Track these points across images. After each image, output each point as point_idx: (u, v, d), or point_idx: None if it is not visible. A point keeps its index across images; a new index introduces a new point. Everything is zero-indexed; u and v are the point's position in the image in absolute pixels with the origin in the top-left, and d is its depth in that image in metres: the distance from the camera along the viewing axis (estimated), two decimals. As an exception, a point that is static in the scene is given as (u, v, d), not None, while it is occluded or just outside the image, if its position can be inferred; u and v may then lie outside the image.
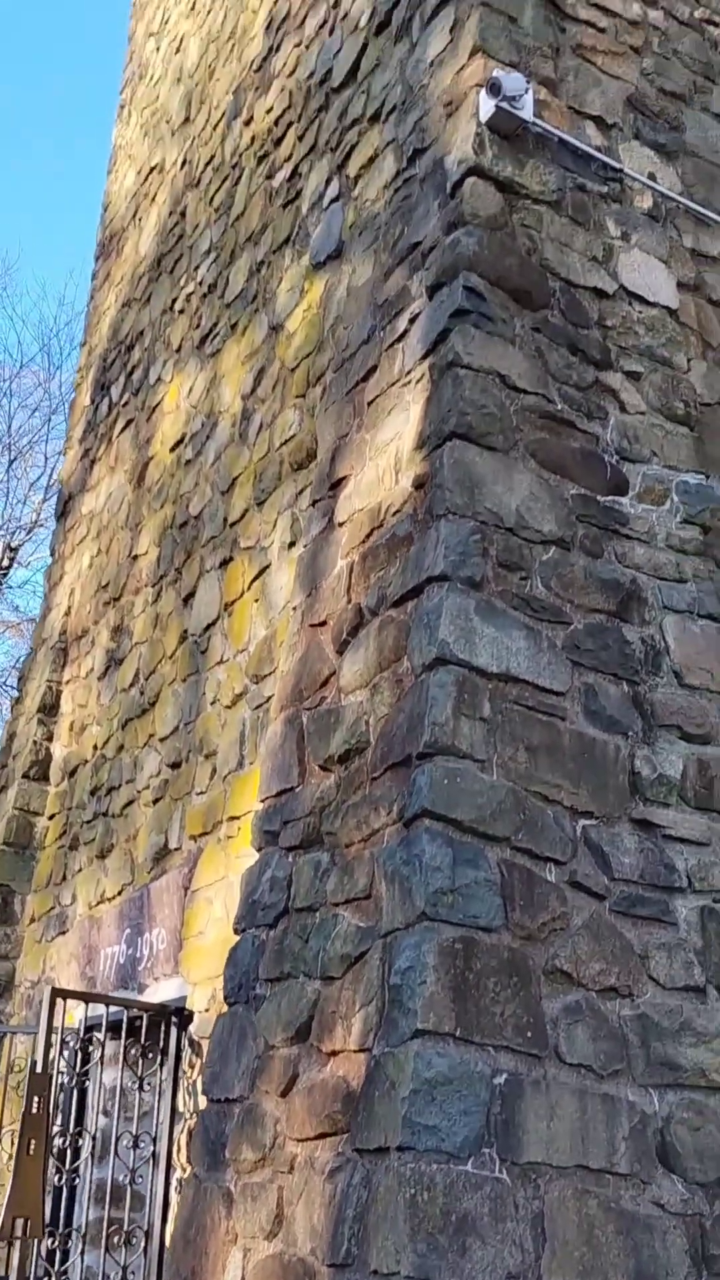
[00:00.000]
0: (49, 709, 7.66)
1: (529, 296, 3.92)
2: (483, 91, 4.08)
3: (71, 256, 30.80)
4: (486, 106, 4.07)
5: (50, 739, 7.57)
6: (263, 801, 3.86)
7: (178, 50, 8.58)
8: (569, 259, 4.13)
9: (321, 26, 5.91)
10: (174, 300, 7.25)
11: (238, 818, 4.74)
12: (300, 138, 5.86)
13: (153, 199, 8.31)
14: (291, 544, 4.88)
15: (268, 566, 5.10)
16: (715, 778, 3.46)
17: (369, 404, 4.17)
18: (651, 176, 4.51)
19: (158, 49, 9.19)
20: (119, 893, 5.88)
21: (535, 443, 3.67)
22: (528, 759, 3.15)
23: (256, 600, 5.14)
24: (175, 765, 5.57)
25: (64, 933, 6.44)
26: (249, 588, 5.25)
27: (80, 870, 6.50)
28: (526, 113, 4.11)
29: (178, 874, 5.13)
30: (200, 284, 6.83)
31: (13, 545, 19.41)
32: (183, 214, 7.50)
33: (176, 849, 5.34)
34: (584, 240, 4.20)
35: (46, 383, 20.33)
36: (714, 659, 3.65)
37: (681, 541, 3.82)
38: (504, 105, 4.04)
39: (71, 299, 27.75)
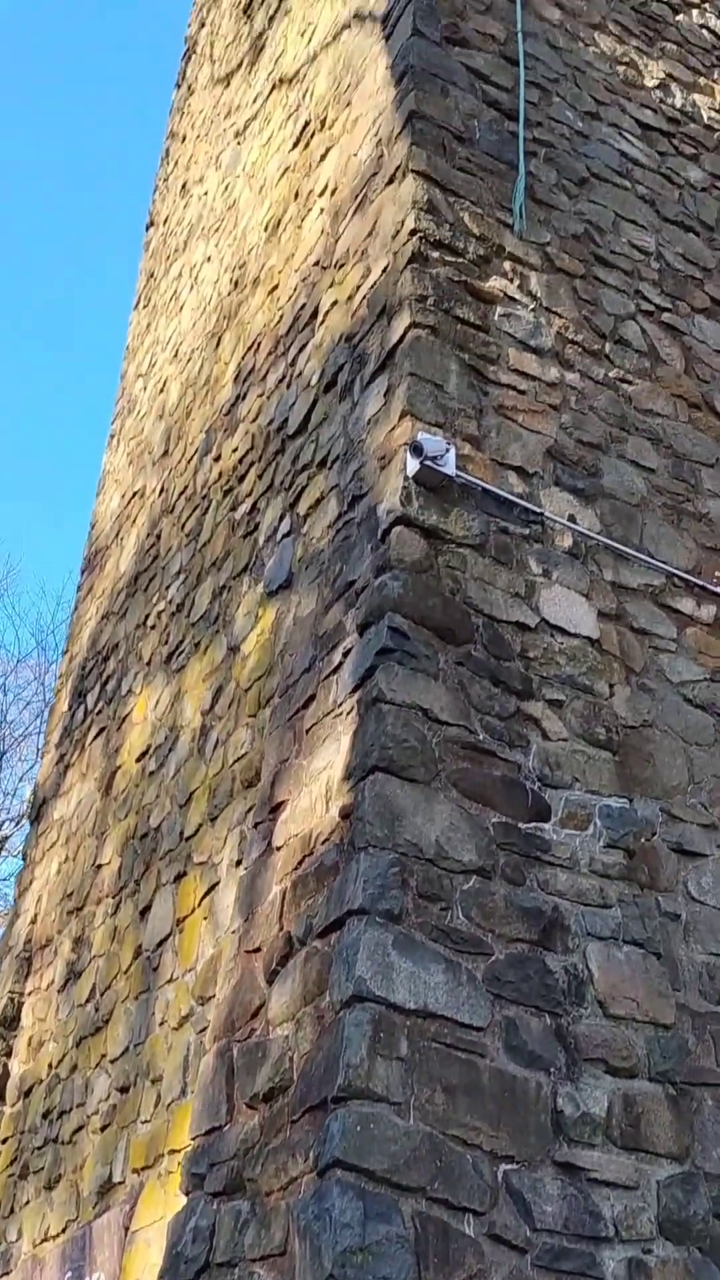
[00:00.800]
0: (9, 1022, 7.50)
1: (452, 633, 4.18)
2: (408, 451, 4.50)
3: (71, 558, 32.27)
4: (412, 464, 4.48)
5: (9, 1054, 7.37)
6: (193, 1140, 3.79)
7: (161, 390, 9.39)
8: (492, 596, 4.42)
9: (281, 381, 6.52)
10: (147, 616, 7.63)
11: (177, 1151, 4.61)
12: (260, 476, 6.36)
13: (133, 521, 8.88)
14: (238, 862, 4.97)
15: (217, 883, 5.17)
16: (641, 1115, 3.41)
17: (307, 731, 4.37)
18: (571, 518, 4.89)
19: (144, 388, 10.05)
20: (63, 1229, 5.60)
21: (457, 773, 3.83)
22: (446, 1100, 3.13)
23: (205, 918, 5.18)
24: (124, 1089, 5.44)
25: (7, 1274, 6.08)
26: (200, 904, 5.30)
27: (28, 1203, 6.20)
28: (449, 469, 4.52)
29: (119, 1212, 4.92)
30: (170, 603, 7.22)
31: (3, 836, 19.39)
32: (158, 537, 8.00)
33: (120, 1183, 5.14)
34: (506, 578, 4.52)
35: (43, 675, 20.90)
36: (640, 987, 3.67)
37: (605, 866, 3.92)
38: (428, 463, 4.45)
39: (69, 597, 28.86)
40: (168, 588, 7.39)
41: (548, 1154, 3.22)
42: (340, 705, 4.14)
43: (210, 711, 5.95)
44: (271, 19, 9.45)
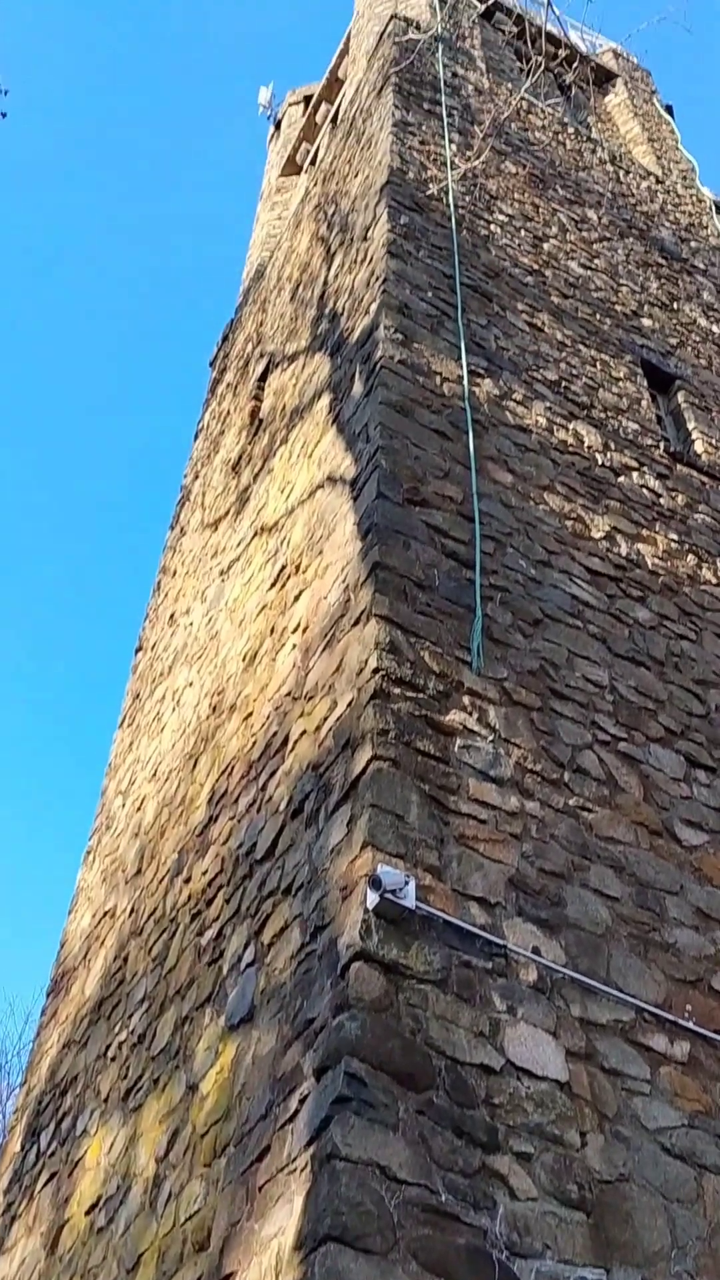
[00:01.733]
0: None
1: (413, 1079, 4.01)
2: (368, 884, 4.51)
3: (44, 974, 31.26)
4: (372, 897, 4.48)
5: None
6: None
7: (138, 808, 9.52)
8: (455, 1036, 4.29)
9: (252, 805, 6.65)
10: (108, 1047, 7.31)
11: None
12: (227, 901, 6.32)
13: (102, 942, 8.71)
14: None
15: None
16: None
17: (260, 1189, 4.09)
18: (536, 950, 4.84)
19: (123, 805, 10.20)
20: None
21: (416, 1241, 3.55)
22: None
23: None
24: None
25: None
26: None
27: None
28: (409, 901, 4.52)
29: None
30: (132, 1033, 6.94)
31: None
32: (125, 960, 7.82)
33: None
34: (470, 1016, 4.40)
35: (3, 1103, 19.59)
36: None
37: None
38: (388, 896, 4.46)
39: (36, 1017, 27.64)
40: (131, 1016, 7.13)
41: None
42: (294, 1160, 3.90)
43: (165, 1159, 5.57)
44: (256, 476, 10.48)
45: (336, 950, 4.50)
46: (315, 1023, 4.34)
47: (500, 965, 4.68)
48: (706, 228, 14.81)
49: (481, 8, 13.90)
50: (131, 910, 8.26)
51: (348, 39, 17.30)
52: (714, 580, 8.02)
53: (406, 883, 4.52)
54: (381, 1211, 3.55)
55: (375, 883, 4.44)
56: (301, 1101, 4.09)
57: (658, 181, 15.30)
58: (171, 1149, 5.55)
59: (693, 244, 13.94)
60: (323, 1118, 3.80)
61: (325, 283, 11.01)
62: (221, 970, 5.95)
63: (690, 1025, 4.93)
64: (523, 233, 10.91)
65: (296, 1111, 4.09)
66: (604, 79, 18.19)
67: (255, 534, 9.47)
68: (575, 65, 14.19)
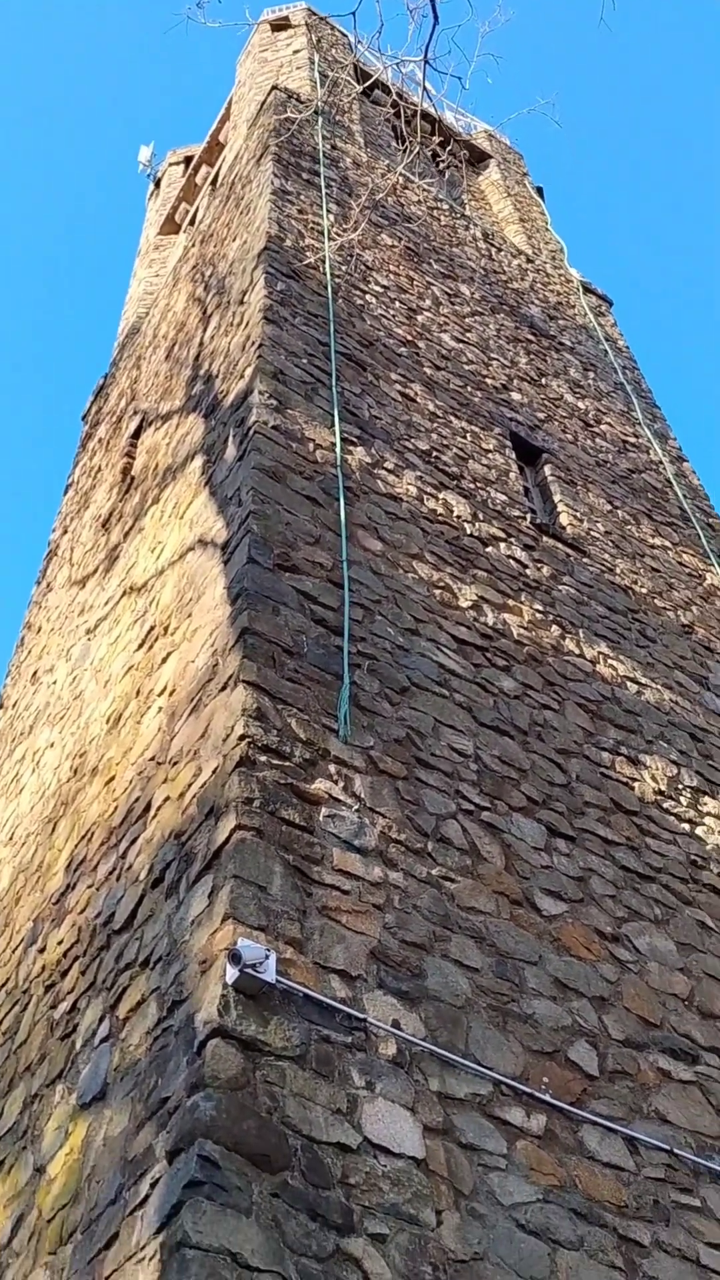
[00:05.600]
0: None
1: (268, 1160, 3.94)
2: (227, 958, 4.44)
3: None
4: (231, 972, 4.41)
5: None
6: None
7: (-5, 873, 9.22)
8: (311, 1114, 4.22)
9: (111, 873, 6.50)
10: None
11: None
12: (83, 973, 6.15)
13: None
14: None
15: None
16: None
17: (106, 1279, 3.94)
18: (395, 1024, 4.81)
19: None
20: None
21: (268, 1332, 3.45)
22: None
23: None
24: None
25: None
26: None
27: None
28: (269, 975, 4.46)
29: None
30: (-21, 1110, 6.66)
31: None
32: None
33: None
34: (327, 1093, 4.34)
35: None
36: None
37: None
38: (247, 970, 4.39)
39: None
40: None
41: None
42: (143, 1248, 3.77)
43: (8, 1246, 5.33)
44: (126, 534, 10.38)
45: (193, 1026, 4.40)
46: (169, 1102, 4.23)
47: (360, 1040, 4.64)
48: (574, 307, 15.36)
49: (360, 87, 14.27)
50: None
51: (229, 105, 17.56)
52: (576, 651, 8.21)
53: (267, 956, 4.47)
54: (232, 1302, 3.45)
55: (235, 957, 4.38)
56: (153, 1185, 3.98)
57: (528, 260, 15.83)
58: (16, 1235, 5.32)
59: (560, 322, 14.43)
60: (174, 1203, 3.70)
61: (201, 344, 11.06)
62: (74, 1045, 5.77)
63: (546, 1098, 4.96)
64: (397, 304, 11.15)
65: (147, 1196, 3.97)
66: (478, 159, 18.81)
67: (124, 593, 9.36)
68: (450, 145, 14.61)
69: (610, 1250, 4.63)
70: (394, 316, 10.83)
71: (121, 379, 15.84)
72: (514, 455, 10.26)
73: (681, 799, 7.62)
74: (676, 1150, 5.23)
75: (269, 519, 6.88)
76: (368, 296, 10.78)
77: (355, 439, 8.36)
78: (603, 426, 12.27)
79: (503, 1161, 4.61)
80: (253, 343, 8.69)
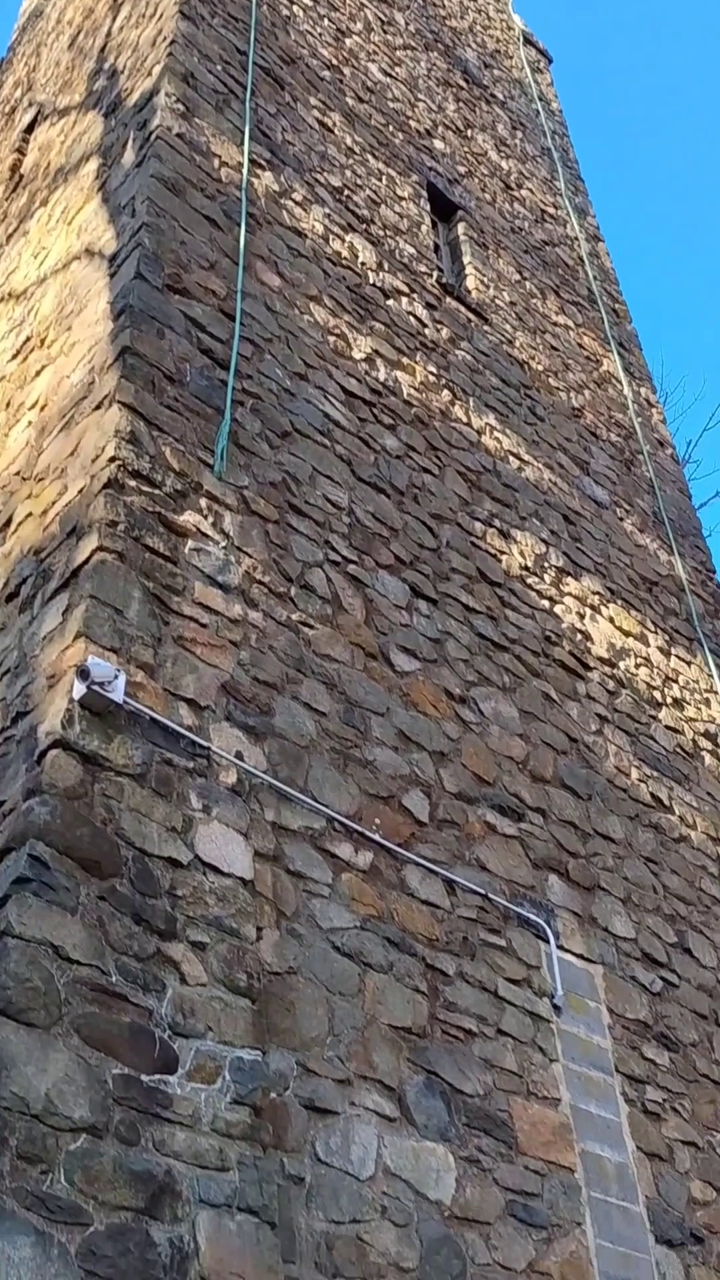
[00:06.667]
0: None
1: (98, 866, 4.04)
2: (76, 674, 4.42)
3: None
4: (79, 688, 4.40)
5: None
6: None
7: None
8: (146, 829, 4.33)
9: (-34, 585, 6.36)
10: None
11: None
12: (-70, 680, 6.08)
13: None
14: None
15: None
16: None
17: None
18: (239, 755, 4.91)
19: None
20: None
21: (81, 1018, 3.62)
22: None
23: None
24: None
25: None
26: None
27: None
28: (117, 695, 4.47)
29: None
30: None
31: None
32: None
33: None
34: (164, 811, 4.44)
35: None
36: (248, 1261, 3.48)
37: (228, 1125, 3.76)
38: (95, 688, 4.38)
39: None
40: None
41: None
42: (-32, 937, 3.87)
43: None
44: (9, 237, 9.71)
45: (36, 737, 4.42)
46: (4, 806, 4.28)
47: (202, 766, 4.73)
48: (511, 58, 14.50)
49: None
50: None
51: None
52: (464, 419, 8.12)
53: (116, 676, 4.46)
54: (49, 989, 3.59)
55: (84, 673, 4.36)
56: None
57: (472, -2, 14.78)
58: None
59: (495, 72, 13.62)
60: (1, 897, 3.78)
61: (109, 34, 10.12)
62: None
63: (376, 837, 5.18)
64: (325, 21, 10.33)
65: (-24, 889, 4.05)
66: None
67: (1, 299, 8.83)
68: None
69: (416, 976, 4.96)
70: (320, 35, 10.04)
71: (19, 66, 14.49)
72: (429, 208, 9.82)
73: (545, 577, 7.75)
74: (491, 895, 5.57)
75: (163, 234, 6.48)
76: (295, 8, 9.95)
77: (264, 162, 7.86)
78: (523, 192, 11.80)
79: (327, 890, 4.83)
80: (164, 38, 7.98)
